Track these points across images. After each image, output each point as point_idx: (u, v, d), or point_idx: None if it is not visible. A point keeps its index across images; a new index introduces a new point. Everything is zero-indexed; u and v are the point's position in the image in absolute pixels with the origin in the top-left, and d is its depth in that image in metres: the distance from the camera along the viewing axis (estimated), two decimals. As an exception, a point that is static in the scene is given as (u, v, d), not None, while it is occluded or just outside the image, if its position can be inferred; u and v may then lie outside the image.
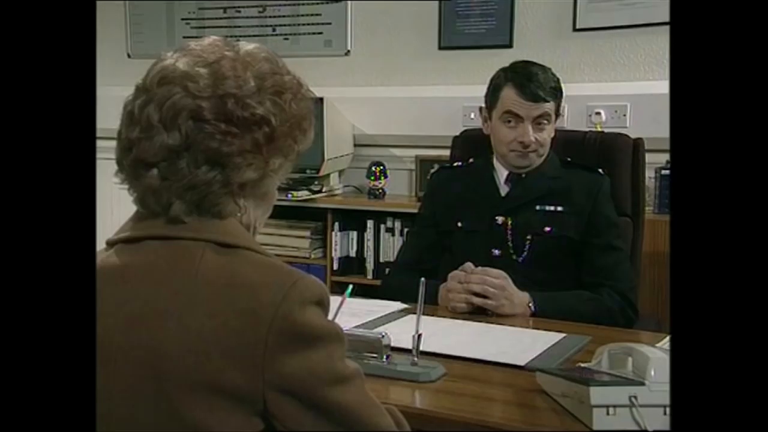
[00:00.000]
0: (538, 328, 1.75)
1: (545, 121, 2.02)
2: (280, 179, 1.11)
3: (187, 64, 1.03)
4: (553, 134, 2.07)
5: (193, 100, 1.00)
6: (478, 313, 1.86)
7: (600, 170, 2.09)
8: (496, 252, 2.03)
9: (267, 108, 1.03)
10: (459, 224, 2.10)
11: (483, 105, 2.11)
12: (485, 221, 2.06)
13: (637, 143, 2.22)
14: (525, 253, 2.02)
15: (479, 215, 2.07)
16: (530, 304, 1.87)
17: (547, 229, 2.02)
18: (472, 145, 2.26)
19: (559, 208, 2.03)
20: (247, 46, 1.09)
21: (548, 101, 2.00)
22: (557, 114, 2.06)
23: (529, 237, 2.02)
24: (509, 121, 2.02)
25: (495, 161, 2.11)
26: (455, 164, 2.24)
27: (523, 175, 2.07)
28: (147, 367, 0.97)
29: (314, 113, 1.12)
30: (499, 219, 2.04)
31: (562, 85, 2.05)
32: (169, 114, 1.00)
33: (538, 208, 2.04)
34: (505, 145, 2.04)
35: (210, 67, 1.03)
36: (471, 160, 2.19)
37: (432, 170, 2.31)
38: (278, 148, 1.05)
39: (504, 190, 2.08)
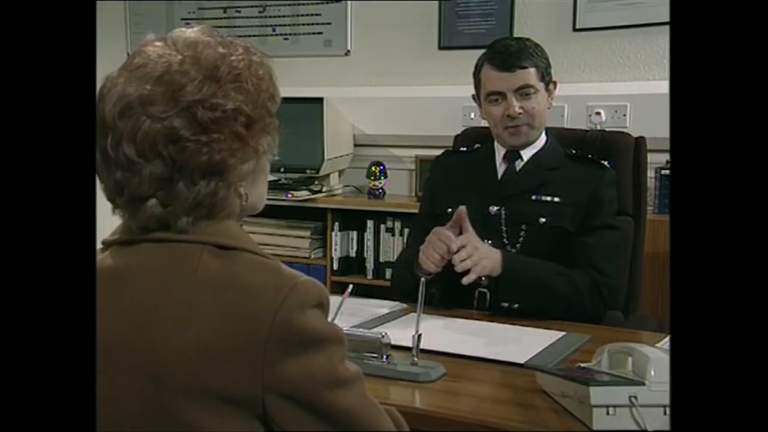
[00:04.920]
0: (537, 327, 1.75)
1: (531, 90, 1.98)
2: (271, 156, 1.08)
3: (138, 86, 0.99)
4: (547, 106, 2.03)
5: (163, 123, 0.97)
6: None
7: (605, 163, 2.03)
8: (488, 242, 1.96)
9: (234, 98, 1.00)
10: (449, 210, 2.05)
11: (474, 93, 2.10)
12: (477, 209, 2.00)
13: (639, 142, 2.20)
14: (519, 244, 1.98)
15: (472, 202, 2.01)
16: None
17: (543, 220, 1.97)
18: (475, 141, 2.22)
19: (556, 199, 1.98)
20: (183, 35, 1.03)
21: (525, 67, 1.97)
22: (547, 83, 2.01)
23: (523, 227, 1.98)
24: (495, 100, 2.00)
25: (495, 146, 2.08)
26: (461, 149, 2.22)
27: (521, 163, 2.03)
28: (145, 371, 0.96)
29: (275, 73, 1.07)
30: (493, 208, 2.01)
31: (537, 51, 2.00)
32: (145, 145, 0.97)
33: (533, 198, 2.00)
34: (497, 125, 2.02)
35: (161, 81, 0.98)
36: (477, 145, 2.16)
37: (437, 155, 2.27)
38: (260, 129, 1.03)
39: (501, 169, 2.05)
